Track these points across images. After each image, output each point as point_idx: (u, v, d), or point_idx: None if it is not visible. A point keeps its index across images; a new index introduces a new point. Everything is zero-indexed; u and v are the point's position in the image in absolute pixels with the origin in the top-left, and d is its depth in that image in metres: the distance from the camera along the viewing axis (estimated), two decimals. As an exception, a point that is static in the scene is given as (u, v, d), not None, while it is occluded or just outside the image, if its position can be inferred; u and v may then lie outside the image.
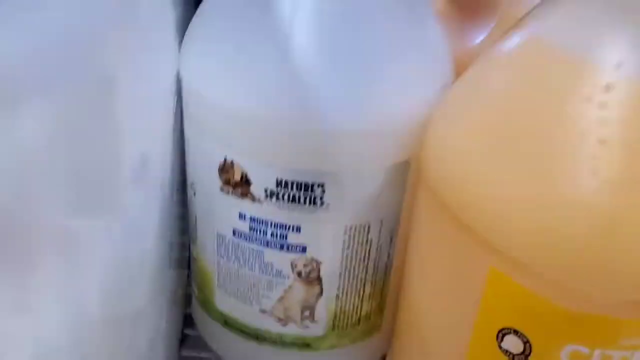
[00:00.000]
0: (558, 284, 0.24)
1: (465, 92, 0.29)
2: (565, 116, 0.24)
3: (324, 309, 0.37)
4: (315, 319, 0.38)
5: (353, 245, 0.35)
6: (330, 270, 0.36)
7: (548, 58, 0.25)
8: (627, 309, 0.24)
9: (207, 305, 0.41)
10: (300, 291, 0.37)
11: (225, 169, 0.34)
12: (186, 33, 0.36)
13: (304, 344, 0.39)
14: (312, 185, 0.33)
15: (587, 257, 0.23)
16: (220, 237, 0.37)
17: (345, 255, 0.35)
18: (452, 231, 0.28)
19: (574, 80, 0.24)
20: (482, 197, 0.26)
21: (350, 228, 0.34)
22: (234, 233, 0.36)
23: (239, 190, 0.34)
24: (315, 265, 0.36)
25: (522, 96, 0.26)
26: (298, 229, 0.34)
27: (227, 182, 0.34)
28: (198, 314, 0.43)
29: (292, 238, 0.35)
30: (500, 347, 0.27)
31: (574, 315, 0.25)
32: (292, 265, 0.36)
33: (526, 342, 0.26)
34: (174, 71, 0.35)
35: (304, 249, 0.35)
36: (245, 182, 0.34)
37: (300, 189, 0.33)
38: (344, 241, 0.35)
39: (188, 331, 0.46)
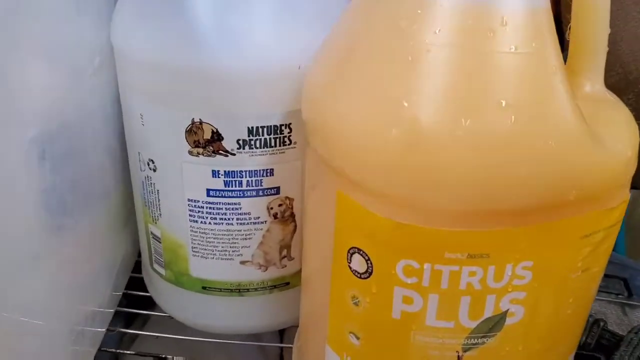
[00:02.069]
0: (386, 198, 0.27)
1: (329, 36, 0.32)
2: (384, 55, 0.27)
3: (298, 243, 0.41)
4: (292, 255, 0.41)
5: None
6: (301, 204, 0.39)
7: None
8: (447, 219, 0.26)
9: (182, 278, 0.42)
10: (277, 232, 0.40)
11: (193, 130, 0.36)
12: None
13: (284, 283, 0.42)
14: (281, 127, 0.36)
15: (400, 166, 0.25)
16: (193, 202, 0.38)
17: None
18: (315, 163, 0.31)
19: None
20: (324, 125, 0.29)
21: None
22: (207, 193, 0.38)
23: (211, 148, 0.36)
24: (289, 203, 0.39)
25: (359, 34, 0.28)
26: (271, 172, 0.38)
27: (196, 144, 0.36)
28: (167, 294, 0.44)
29: (267, 182, 0.38)
30: (350, 267, 0.30)
31: (403, 228, 0.26)
32: (268, 208, 0.39)
33: (368, 260, 0.29)
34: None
35: (277, 190, 0.38)
36: (216, 138, 0.36)
37: (271, 133, 0.36)
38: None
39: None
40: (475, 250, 0.26)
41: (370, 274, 0.28)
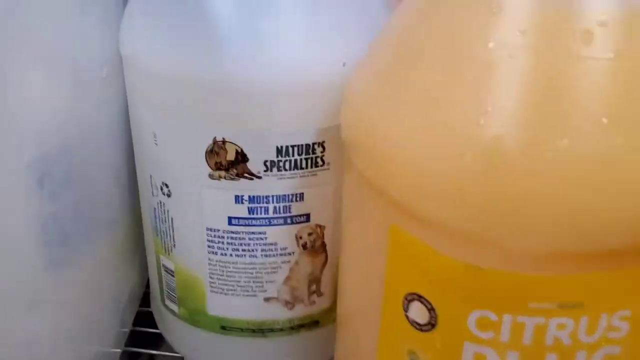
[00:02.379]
0: (457, 236, 0.23)
1: (374, 47, 0.28)
2: (452, 61, 0.23)
3: (329, 277, 0.36)
4: (322, 291, 0.37)
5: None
6: (333, 232, 0.35)
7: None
8: (534, 262, 0.22)
9: (198, 316, 0.37)
10: (306, 264, 0.35)
11: (215, 151, 0.32)
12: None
13: (313, 322, 0.38)
14: (314, 146, 0.32)
15: (476, 197, 0.21)
16: (212, 232, 0.34)
17: (345, 214, 0.35)
18: (358, 189, 0.27)
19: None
20: (375, 145, 0.25)
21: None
22: (229, 221, 0.33)
23: (234, 170, 0.32)
24: (320, 232, 0.35)
25: (414, 47, 0.24)
26: (301, 197, 0.33)
27: (218, 166, 0.32)
28: (180, 334, 0.39)
29: (296, 208, 0.33)
30: (407, 317, 0.26)
31: (477, 272, 0.22)
32: (296, 238, 0.34)
33: (431, 310, 0.25)
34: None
35: (307, 218, 0.34)
36: (240, 160, 0.32)
37: (302, 153, 0.32)
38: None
39: None
40: (566, 298, 0.21)
41: (434, 326, 0.23)
